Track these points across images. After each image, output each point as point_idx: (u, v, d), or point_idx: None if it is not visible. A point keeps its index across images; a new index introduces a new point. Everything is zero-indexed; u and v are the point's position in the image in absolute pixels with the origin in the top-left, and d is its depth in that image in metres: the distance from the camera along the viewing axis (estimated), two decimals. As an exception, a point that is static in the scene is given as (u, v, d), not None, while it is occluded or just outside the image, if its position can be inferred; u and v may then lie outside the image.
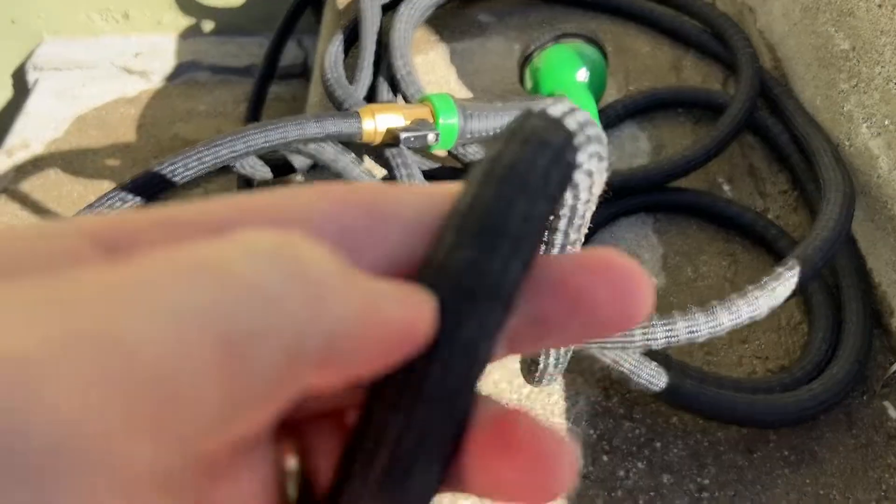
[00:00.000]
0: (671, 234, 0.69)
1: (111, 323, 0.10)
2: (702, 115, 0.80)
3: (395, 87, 0.75)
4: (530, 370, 0.34)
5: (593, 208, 0.22)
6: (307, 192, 0.15)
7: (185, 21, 1.29)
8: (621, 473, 0.54)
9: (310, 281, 0.12)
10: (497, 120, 0.66)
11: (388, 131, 0.61)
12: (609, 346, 0.51)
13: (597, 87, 0.74)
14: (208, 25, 1.30)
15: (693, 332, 0.50)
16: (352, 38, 0.82)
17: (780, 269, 0.52)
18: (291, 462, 0.16)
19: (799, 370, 0.56)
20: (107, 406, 0.09)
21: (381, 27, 0.81)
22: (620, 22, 0.91)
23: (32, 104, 1.24)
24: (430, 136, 0.62)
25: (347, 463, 0.14)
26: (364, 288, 0.13)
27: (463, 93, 0.82)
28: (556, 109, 0.17)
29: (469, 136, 0.65)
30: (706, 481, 0.54)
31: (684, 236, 0.69)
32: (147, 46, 1.28)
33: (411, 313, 0.14)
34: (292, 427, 0.17)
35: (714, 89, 0.81)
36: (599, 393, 0.58)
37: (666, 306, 0.64)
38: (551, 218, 0.19)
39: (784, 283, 0.51)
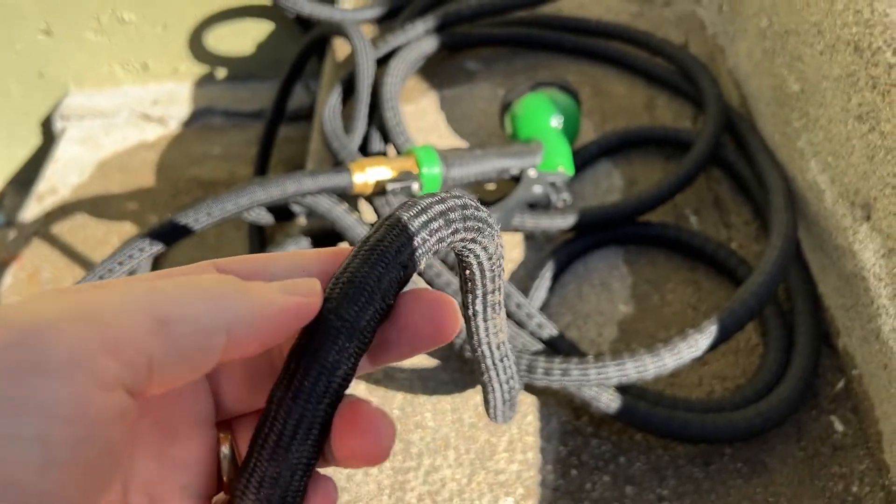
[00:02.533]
0: (640, 264, 0.75)
1: (101, 305, 0.19)
2: (672, 151, 0.86)
3: (386, 137, 0.82)
4: (486, 408, 0.41)
5: (501, 262, 0.29)
6: (227, 259, 0.25)
7: (199, 69, 1.38)
8: (588, 486, 0.60)
9: (212, 296, 0.21)
10: (477, 166, 0.73)
11: (377, 183, 0.68)
12: (567, 383, 0.58)
13: (570, 130, 0.81)
14: (221, 73, 1.38)
15: (641, 370, 0.56)
16: (349, 90, 0.90)
17: (704, 323, 0.59)
18: (226, 449, 0.24)
19: (750, 390, 0.62)
20: (89, 344, 0.18)
21: (375, 79, 0.88)
22: (599, 65, 0.97)
23: (60, 152, 1.33)
24: (415, 186, 0.69)
25: (252, 441, 0.22)
26: (258, 293, 0.22)
27: (451, 137, 0.89)
28: (425, 200, 0.24)
29: (452, 182, 0.72)
30: (665, 492, 0.60)
31: (653, 266, 0.75)
32: (164, 94, 1.37)
33: (294, 301, 0.22)
34: (227, 424, 0.26)
35: (683, 127, 0.87)
36: (570, 413, 0.64)
37: (634, 332, 0.70)
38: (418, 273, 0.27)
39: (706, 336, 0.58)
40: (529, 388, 0.65)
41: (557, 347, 0.64)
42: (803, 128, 0.74)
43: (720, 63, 0.97)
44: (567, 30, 0.97)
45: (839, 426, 0.63)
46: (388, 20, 1.03)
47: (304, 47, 1.07)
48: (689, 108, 0.91)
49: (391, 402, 0.65)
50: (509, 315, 0.66)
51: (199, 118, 1.35)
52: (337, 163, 0.78)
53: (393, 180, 0.68)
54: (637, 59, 0.95)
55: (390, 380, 0.67)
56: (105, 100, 1.38)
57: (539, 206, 0.76)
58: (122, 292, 0.20)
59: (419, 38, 0.92)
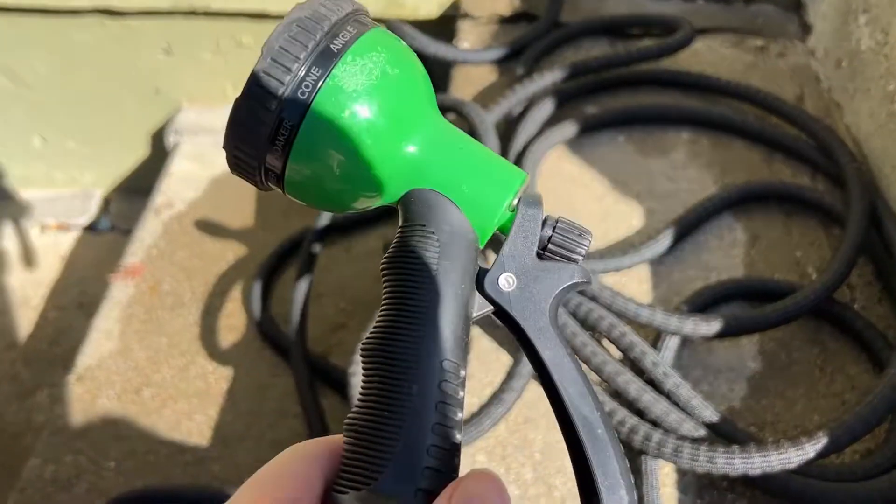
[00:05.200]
0: (766, 321, 0.78)
1: None
2: (792, 208, 0.88)
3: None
4: None
5: None
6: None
7: (307, 92, 1.43)
8: (726, 540, 0.63)
9: None
10: None
11: None
12: (712, 470, 0.61)
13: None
14: (328, 96, 1.44)
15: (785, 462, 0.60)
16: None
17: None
18: None
19: (881, 457, 0.65)
20: None
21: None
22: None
23: (174, 166, 1.40)
24: None
25: None
26: None
27: (578, 186, 0.92)
28: None
29: None
30: (802, 551, 0.62)
31: (778, 324, 0.78)
32: (273, 115, 1.43)
33: None
34: None
35: (806, 185, 0.89)
36: (706, 467, 0.67)
37: (764, 390, 0.73)
38: None
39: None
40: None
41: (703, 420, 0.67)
42: (936, 197, 0.75)
43: (837, 118, 0.99)
44: (691, 86, 1.00)
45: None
46: (508, 61, 1.07)
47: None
48: (808, 164, 0.93)
49: (531, 445, 0.69)
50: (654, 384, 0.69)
51: (305, 140, 1.40)
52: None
53: None
54: (755, 128, 0.96)
55: (530, 424, 0.71)
56: (216, 117, 1.44)
57: None
58: None
59: (545, 97, 0.95)
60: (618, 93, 1.02)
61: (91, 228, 1.64)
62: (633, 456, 0.67)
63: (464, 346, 0.27)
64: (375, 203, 0.31)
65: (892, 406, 0.62)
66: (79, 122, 1.54)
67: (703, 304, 0.77)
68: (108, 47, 1.40)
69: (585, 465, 0.27)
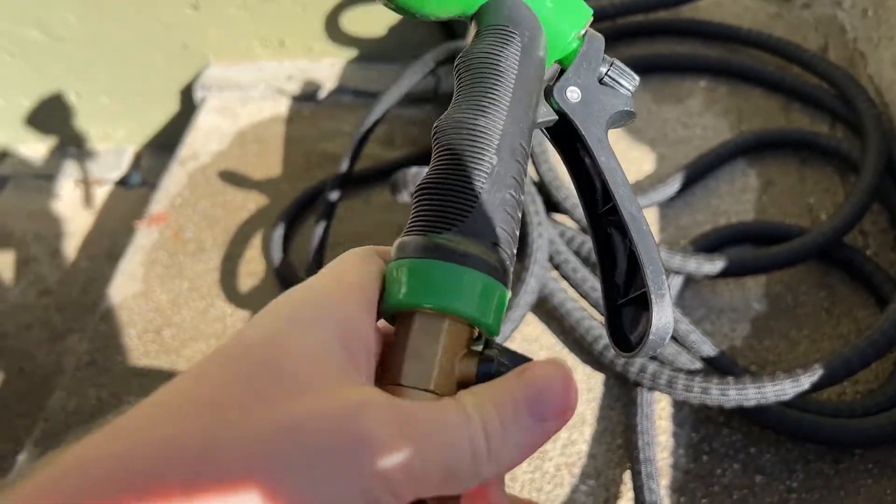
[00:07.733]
0: (774, 265, 0.77)
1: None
2: (808, 155, 0.87)
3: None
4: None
5: None
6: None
7: (332, 49, 1.45)
8: (719, 472, 0.63)
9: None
10: None
11: None
12: (707, 401, 0.61)
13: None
14: (352, 53, 1.45)
15: (780, 394, 0.59)
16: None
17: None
18: None
19: (881, 395, 0.64)
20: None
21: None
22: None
23: (200, 120, 1.42)
24: None
25: None
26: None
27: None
28: None
29: None
30: (794, 485, 0.62)
31: (786, 268, 0.77)
32: (298, 71, 1.44)
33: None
34: None
35: (822, 133, 0.87)
36: (702, 402, 0.67)
37: (767, 330, 0.72)
38: None
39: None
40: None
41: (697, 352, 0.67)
42: (953, 140, 0.74)
43: (860, 68, 0.97)
44: (709, 35, 0.98)
45: (974, 438, 0.64)
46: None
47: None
48: (827, 112, 0.92)
49: (530, 377, 0.70)
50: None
51: (330, 95, 1.42)
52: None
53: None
54: (774, 76, 0.94)
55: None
56: (242, 73, 1.46)
57: None
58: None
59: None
60: (635, 42, 1.01)
61: (123, 183, 1.68)
62: (629, 388, 0.67)
63: (529, 140, 0.30)
64: (457, 7, 0.32)
65: (892, 341, 0.61)
66: (111, 78, 1.57)
67: (709, 245, 0.77)
68: (136, 1, 1.43)
69: (633, 262, 0.30)
